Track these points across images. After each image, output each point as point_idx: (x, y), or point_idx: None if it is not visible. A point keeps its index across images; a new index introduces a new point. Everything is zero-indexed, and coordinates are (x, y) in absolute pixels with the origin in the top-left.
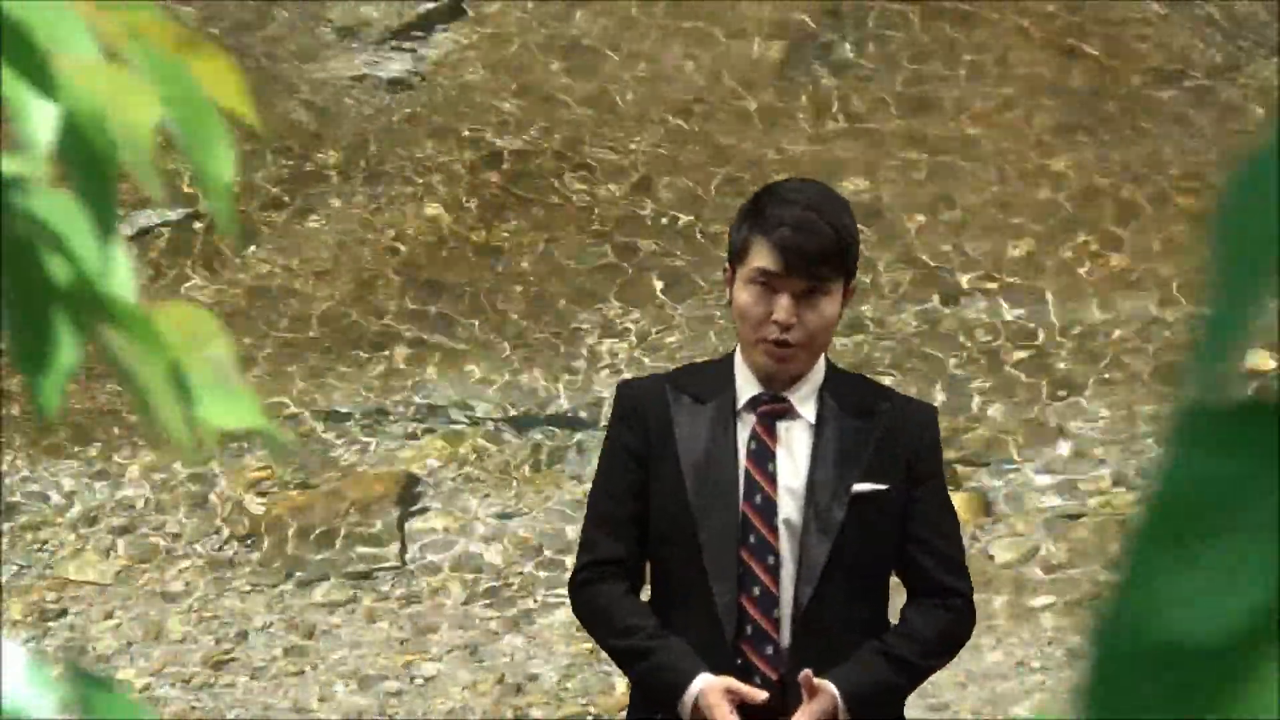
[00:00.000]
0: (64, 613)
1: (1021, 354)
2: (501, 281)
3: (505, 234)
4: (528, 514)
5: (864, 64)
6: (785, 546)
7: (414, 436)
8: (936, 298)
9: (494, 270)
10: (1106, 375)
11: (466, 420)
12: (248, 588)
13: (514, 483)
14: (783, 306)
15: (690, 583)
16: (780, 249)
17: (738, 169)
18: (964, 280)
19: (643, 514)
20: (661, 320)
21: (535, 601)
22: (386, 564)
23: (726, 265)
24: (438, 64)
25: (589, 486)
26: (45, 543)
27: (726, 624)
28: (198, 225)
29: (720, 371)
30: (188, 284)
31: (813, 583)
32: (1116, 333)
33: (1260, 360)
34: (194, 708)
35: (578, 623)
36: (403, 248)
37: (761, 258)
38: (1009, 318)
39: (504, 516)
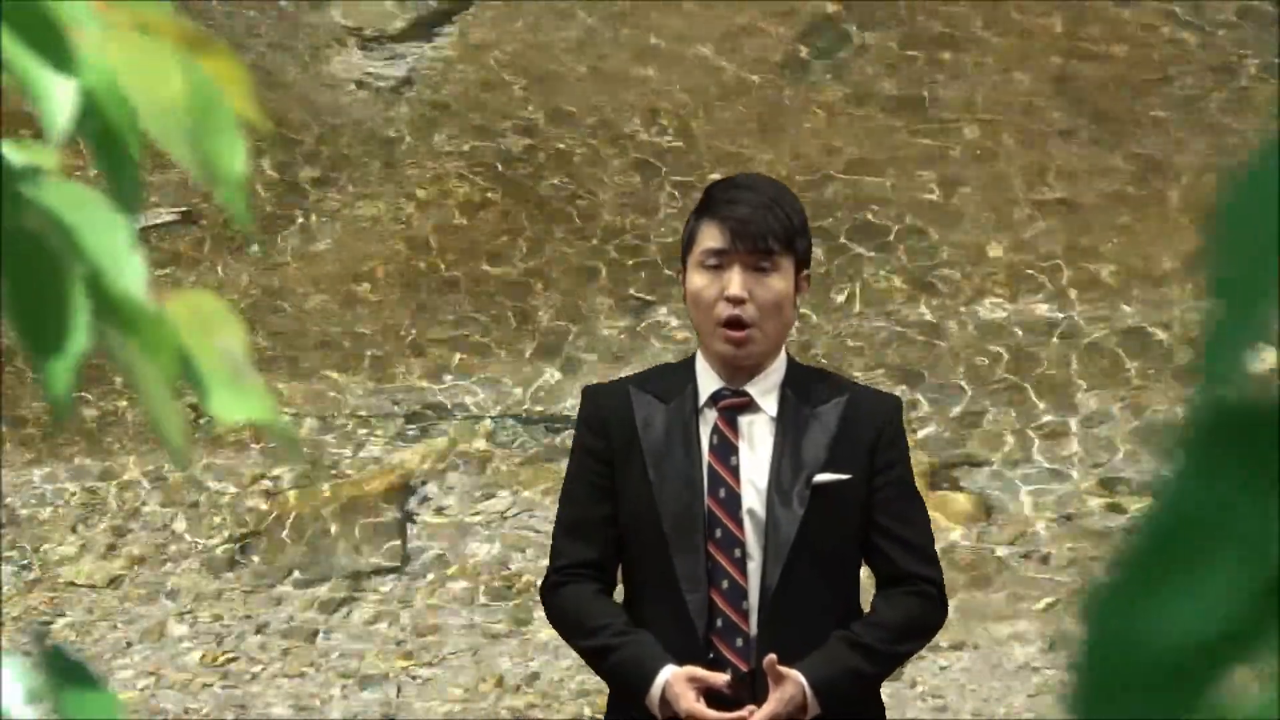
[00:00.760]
0: (64, 613)
1: (1021, 354)
2: (502, 281)
3: (506, 233)
4: (528, 514)
5: (864, 64)
6: (751, 539)
7: (414, 437)
8: (935, 298)
9: (495, 270)
10: (1106, 375)
11: (465, 420)
12: (248, 588)
13: (514, 483)
14: (734, 281)
15: (660, 580)
16: (727, 226)
17: (741, 168)
18: (963, 280)
19: (612, 516)
20: (664, 320)
21: (535, 602)
22: (386, 564)
23: (679, 267)
24: (438, 64)
25: None
26: (45, 543)
27: (697, 619)
28: (197, 225)
29: (682, 371)
30: (187, 284)
31: (778, 573)
32: (1117, 333)
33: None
34: (193, 708)
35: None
36: (403, 248)
37: (709, 238)
38: (1008, 318)
39: (504, 516)
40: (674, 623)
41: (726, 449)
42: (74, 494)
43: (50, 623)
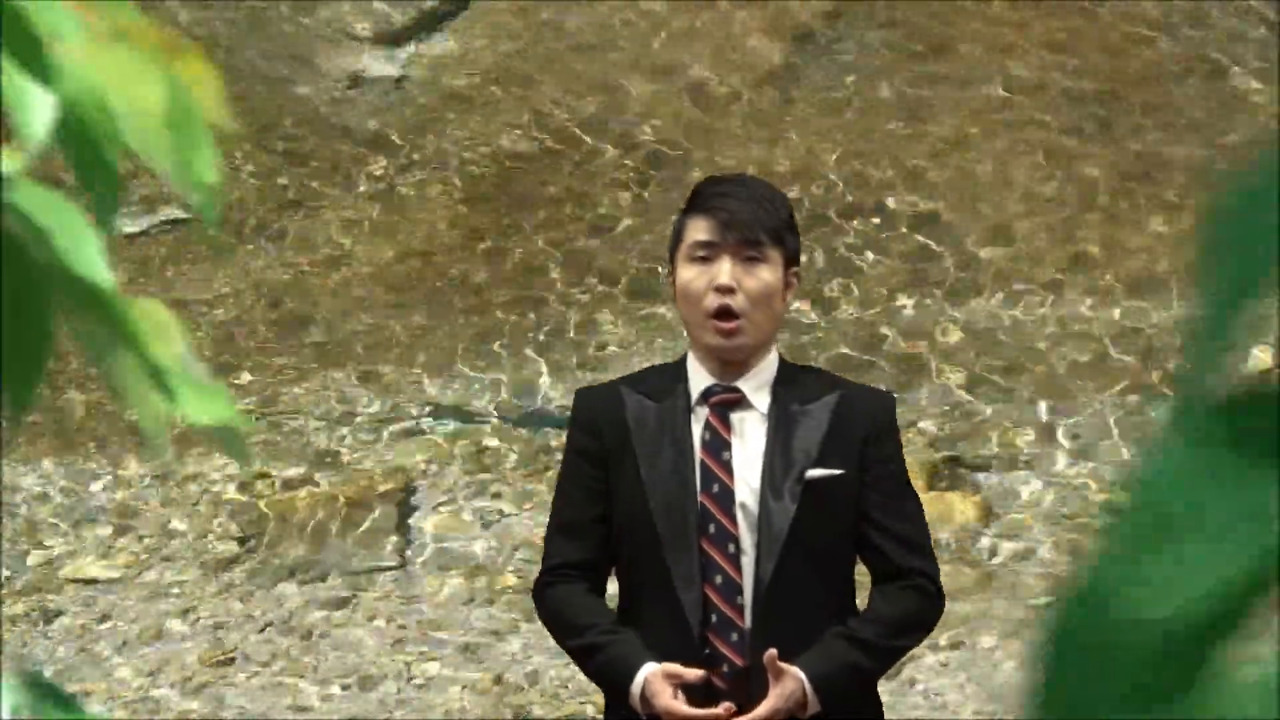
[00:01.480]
0: (63, 613)
1: (1022, 354)
2: (501, 281)
3: (505, 233)
4: (528, 513)
5: (864, 64)
6: (744, 534)
7: (414, 436)
8: (933, 297)
9: (494, 269)
10: (1105, 374)
11: (466, 419)
12: (247, 587)
13: (514, 482)
14: (723, 270)
15: (655, 578)
16: (715, 218)
17: (739, 168)
18: (963, 280)
19: (604, 517)
20: (663, 319)
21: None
22: (386, 564)
23: (668, 268)
24: (436, 64)
25: None
26: (45, 543)
27: (692, 615)
28: (194, 226)
29: (673, 371)
30: (187, 284)
31: (771, 568)
32: (1117, 333)
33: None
34: (193, 708)
35: None
36: (402, 247)
37: (698, 231)
38: (1009, 318)
39: (504, 516)
40: (669, 620)
41: (719, 444)
42: (74, 493)
43: (50, 622)
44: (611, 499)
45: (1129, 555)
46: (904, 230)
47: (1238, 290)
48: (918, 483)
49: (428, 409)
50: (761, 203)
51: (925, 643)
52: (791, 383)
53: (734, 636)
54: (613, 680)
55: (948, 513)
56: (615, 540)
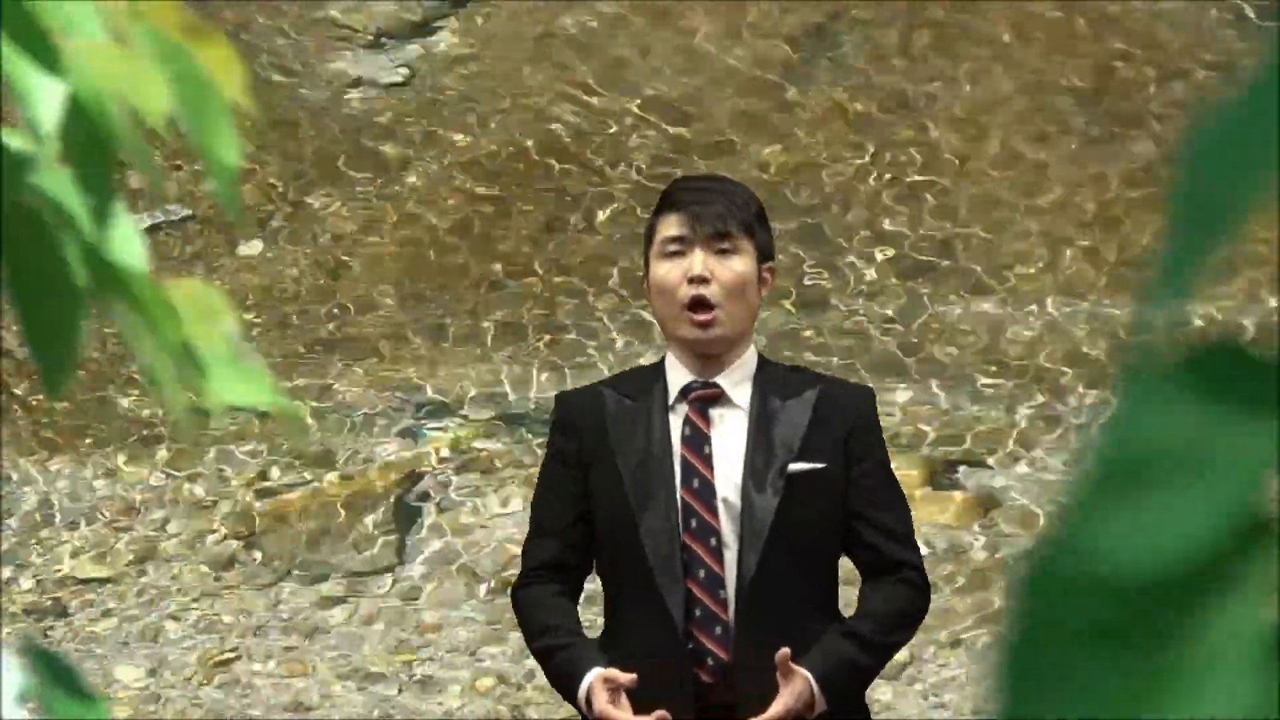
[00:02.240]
0: (64, 613)
1: (1021, 353)
2: (504, 279)
3: (504, 233)
4: (527, 513)
5: (864, 64)
6: (726, 528)
7: (413, 435)
8: (934, 296)
9: (496, 268)
10: (1107, 374)
11: (466, 419)
12: (247, 587)
13: (513, 481)
14: (697, 260)
15: (638, 576)
16: (686, 211)
17: (738, 169)
18: (963, 280)
19: (580, 519)
20: None
21: None
22: (386, 563)
23: (643, 268)
24: (435, 64)
25: None
26: (45, 542)
27: (675, 610)
28: (196, 224)
29: (652, 371)
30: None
31: (755, 562)
32: (1117, 333)
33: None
34: (193, 708)
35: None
36: (401, 247)
37: (669, 227)
38: (1008, 317)
39: (503, 515)
40: (653, 616)
41: (699, 439)
42: (74, 493)
43: (50, 622)
44: (591, 500)
45: (1101, 507)
46: (904, 230)
47: (1207, 217)
48: (916, 482)
49: (427, 409)
50: (731, 196)
51: (925, 643)
52: (771, 378)
53: (718, 630)
54: (564, 684)
55: (946, 511)
56: (597, 540)
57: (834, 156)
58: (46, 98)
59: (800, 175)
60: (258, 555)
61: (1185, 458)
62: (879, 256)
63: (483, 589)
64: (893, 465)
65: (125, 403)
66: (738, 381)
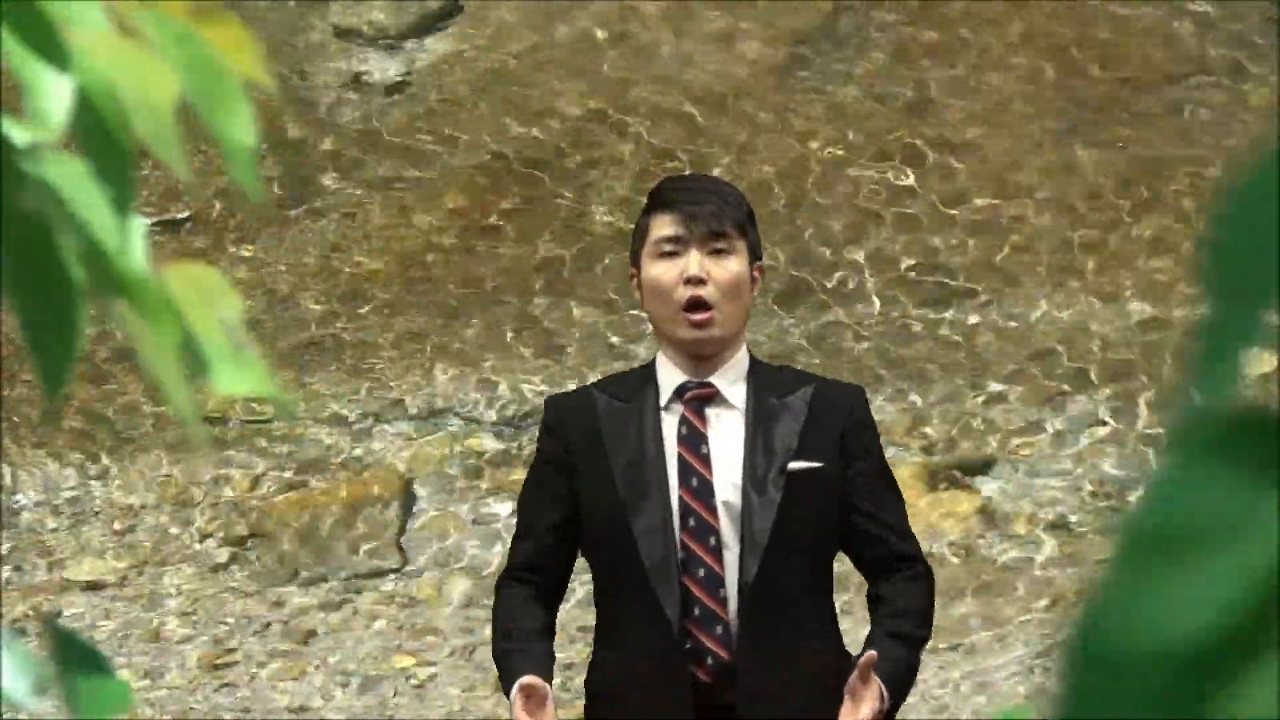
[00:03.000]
0: (64, 613)
1: (1022, 356)
2: (501, 283)
3: (503, 235)
4: None
5: (864, 64)
6: (726, 528)
7: (412, 437)
8: (935, 299)
9: (493, 271)
10: (1107, 376)
11: (464, 421)
12: (247, 588)
13: (511, 483)
14: (693, 260)
15: (632, 576)
16: (681, 211)
17: (738, 170)
18: (963, 281)
19: (568, 520)
20: None
21: None
22: (385, 565)
23: (631, 268)
24: (434, 65)
25: None
26: (45, 543)
27: (669, 608)
28: (195, 225)
29: (643, 372)
30: None
31: (756, 562)
32: (1117, 335)
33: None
34: (193, 708)
35: (577, 623)
36: (402, 248)
37: (663, 227)
38: (1009, 319)
39: (502, 517)
40: (648, 616)
41: (696, 439)
42: (74, 493)
43: (58, 614)
44: (579, 503)
45: (1140, 576)
46: (903, 230)
47: (1245, 297)
48: (918, 485)
49: (427, 410)
50: (723, 196)
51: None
52: (764, 377)
53: (718, 630)
54: (505, 690)
55: (948, 515)
56: (590, 541)
57: (834, 157)
58: (54, 92)
59: (801, 176)
60: (257, 557)
61: (1223, 527)
62: (879, 256)
63: (481, 590)
64: (892, 468)
65: (126, 403)
66: (732, 381)
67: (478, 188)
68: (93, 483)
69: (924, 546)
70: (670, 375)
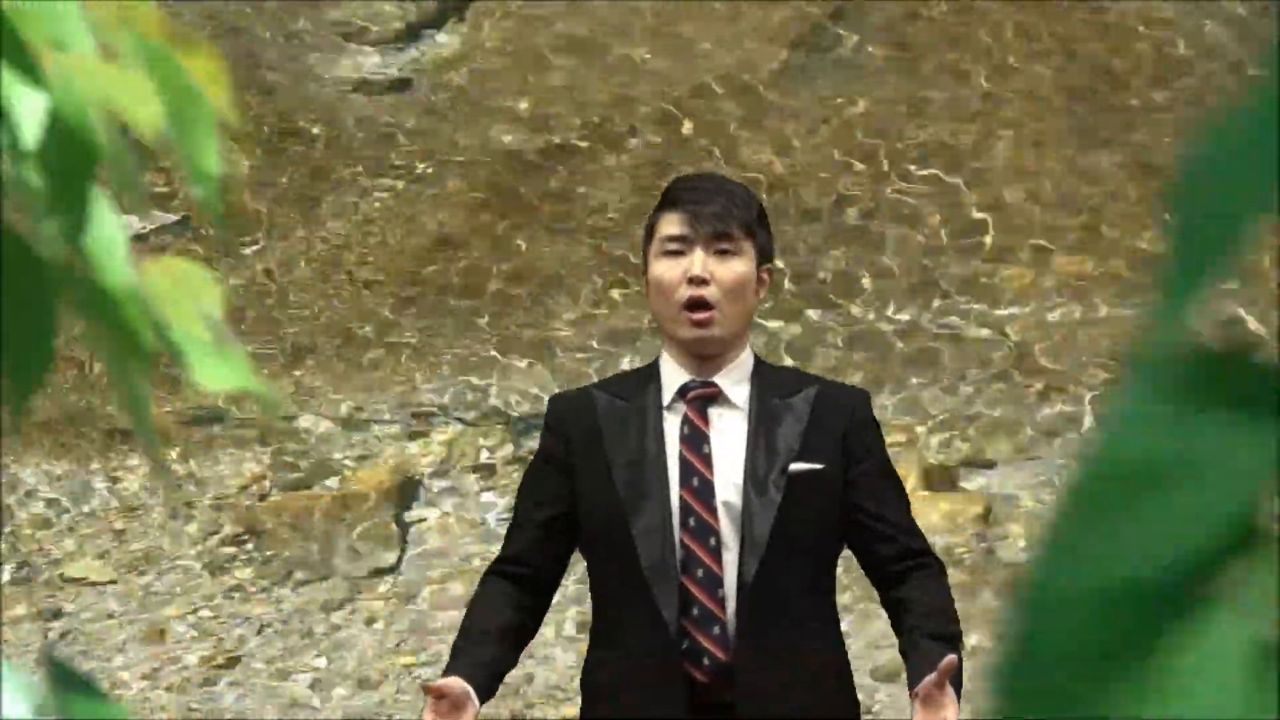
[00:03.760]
0: (63, 613)
1: (1021, 356)
2: (503, 281)
3: (506, 235)
4: None
5: (864, 65)
6: (726, 528)
7: (413, 437)
8: (935, 299)
9: (495, 271)
10: (1108, 374)
11: (465, 421)
12: (247, 589)
13: (514, 483)
14: (696, 260)
15: (630, 575)
16: (686, 210)
17: (740, 169)
18: (963, 282)
19: (561, 517)
20: None
21: None
22: (385, 564)
23: (643, 268)
24: (438, 65)
25: None
26: (45, 543)
27: (667, 607)
28: (195, 227)
29: (645, 371)
30: None
31: (756, 562)
32: (1117, 335)
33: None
34: (193, 708)
35: (576, 623)
36: (402, 248)
37: (669, 225)
38: (1009, 320)
39: (502, 517)
40: (645, 615)
41: (698, 438)
42: (74, 494)
43: (50, 623)
44: (576, 501)
45: (1096, 514)
46: (903, 231)
47: (1210, 242)
48: (917, 485)
49: (428, 410)
50: (732, 196)
51: None
52: (768, 378)
53: (715, 630)
54: None
55: (946, 513)
56: (588, 539)
57: (834, 157)
58: (27, 110)
59: (800, 176)
60: (257, 558)
61: (1183, 465)
62: (878, 257)
63: None
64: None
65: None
66: (736, 381)
67: (481, 186)
68: (93, 482)
69: None
70: (673, 374)
